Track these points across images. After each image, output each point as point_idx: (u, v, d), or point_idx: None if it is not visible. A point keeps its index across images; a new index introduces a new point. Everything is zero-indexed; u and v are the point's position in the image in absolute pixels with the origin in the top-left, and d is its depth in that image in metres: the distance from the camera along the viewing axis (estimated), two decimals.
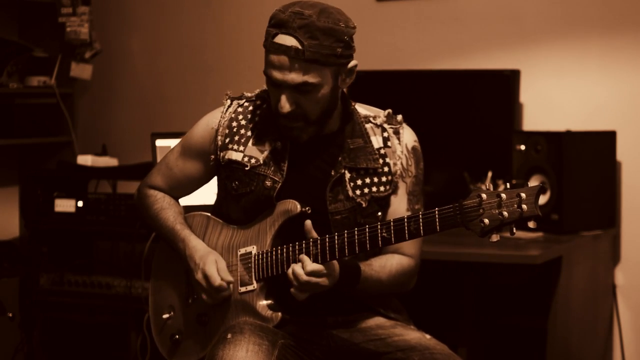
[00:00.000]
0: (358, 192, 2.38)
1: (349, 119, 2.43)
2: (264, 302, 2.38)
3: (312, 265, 2.25)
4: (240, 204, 2.44)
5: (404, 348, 2.36)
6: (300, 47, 2.25)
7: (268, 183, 2.39)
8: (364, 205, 2.38)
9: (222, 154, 2.46)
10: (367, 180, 2.40)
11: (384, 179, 2.41)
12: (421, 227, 2.17)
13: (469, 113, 3.84)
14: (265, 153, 2.41)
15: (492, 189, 2.11)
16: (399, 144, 2.43)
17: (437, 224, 2.14)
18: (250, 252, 2.41)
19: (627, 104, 3.75)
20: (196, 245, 2.46)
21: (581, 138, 3.58)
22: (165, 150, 3.04)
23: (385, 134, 2.44)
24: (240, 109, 2.48)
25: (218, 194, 2.54)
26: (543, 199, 3.45)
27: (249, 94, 2.51)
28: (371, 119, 2.45)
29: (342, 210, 2.37)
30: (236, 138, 2.45)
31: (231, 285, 2.40)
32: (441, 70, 3.96)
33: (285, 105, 2.31)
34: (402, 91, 3.93)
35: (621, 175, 3.75)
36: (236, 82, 4.26)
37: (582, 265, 3.45)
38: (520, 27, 3.91)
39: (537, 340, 3.42)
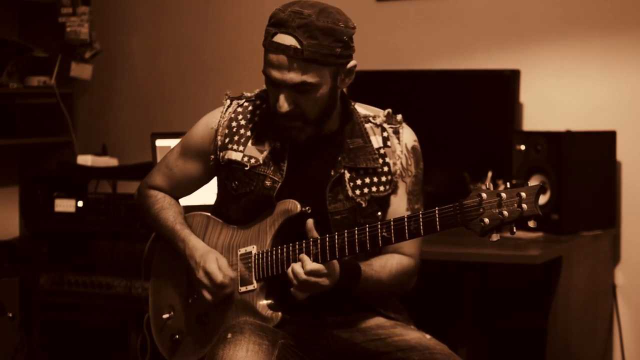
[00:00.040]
0: (358, 192, 2.38)
1: (349, 119, 2.43)
2: (264, 302, 2.38)
3: (311, 265, 2.25)
4: (240, 204, 2.44)
5: (404, 348, 2.36)
6: (299, 46, 2.25)
7: (268, 183, 2.39)
8: (363, 205, 2.38)
9: (221, 154, 2.46)
10: (367, 180, 2.39)
11: (383, 178, 2.41)
12: (421, 227, 2.17)
13: (469, 113, 3.84)
14: (265, 153, 2.41)
15: (492, 188, 2.11)
16: (399, 143, 2.43)
17: (438, 223, 2.14)
18: (251, 252, 2.41)
19: (627, 104, 3.75)
20: (196, 245, 2.46)
21: (581, 138, 3.58)
22: (165, 150, 3.04)
23: (385, 134, 2.43)
24: (239, 109, 2.48)
25: (218, 194, 2.54)
26: (543, 199, 3.45)
27: (249, 94, 2.51)
28: (371, 118, 2.45)
29: (342, 210, 2.37)
30: (236, 138, 2.45)
31: (233, 282, 2.40)
32: (441, 70, 3.96)
33: (283, 104, 2.31)
34: (402, 91, 3.93)
35: (621, 175, 3.75)
36: (236, 82, 4.26)
37: (582, 265, 3.45)
38: (520, 27, 3.90)
39: (537, 340, 3.42)
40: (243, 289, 2.40)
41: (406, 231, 2.19)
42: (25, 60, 4.41)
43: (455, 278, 3.47)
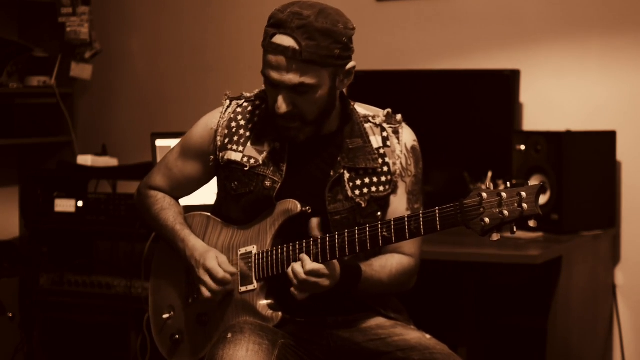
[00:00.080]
0: (357, 192, 2.38)
1: (348, 119, 2.43)
2: (264, 302, 2.38)
3: (311, 265, 2.25)
4: (240, 204, 2.44)
5: (404, 348, 2.36)
6: (297, 47, 2.25)
7: (267, 183, 2.39)
8: (363, 205, 2.38)
9: (221, 154, 2.46)
10: (367, 180, 2.39)
11: (383, 178, 2.41)
12: (422, 226, 2.17)
13: (469, 113, 3.84)
14: (265, 153, 2.41)
15: (492, 188, 2.11)
16: (398, 143, 2.43)
17: (438, 223, 2.14)
18: (251, 252, 2.41)
19: (627, 104, 3.75)
20: (195, 244, 2.46)
21: (581, 138, 3.58)
22: (165, 150, 3.04)
23: (385, 134, 2.43)
24: (239, 110, 2.48)
25: (218, 194, 2.54)
26: (543, 199, 3.45)
27: (248, 94, 2.51)
28: (370, 118, 2.45)
29: (342, 210, 2.37)
30: (235, 138, 2.45)
31: (233, 279, 2.40)
32: (441, 70, 3.96)
33: (282, 105, 2.31)
34: (402, 91, 3.93)
35: (621, 175, 3.75)
36: (236, 82, 4.26)
37: (582, 265, 3.45)
38: (520, 27, 3.90)
39: (537, 340, 3.42)
40: (243, 288, 2.40)
41: (407, 231, 2.19)
42: (25, 60, 4.41)
43: (455, 278, 3.47)
